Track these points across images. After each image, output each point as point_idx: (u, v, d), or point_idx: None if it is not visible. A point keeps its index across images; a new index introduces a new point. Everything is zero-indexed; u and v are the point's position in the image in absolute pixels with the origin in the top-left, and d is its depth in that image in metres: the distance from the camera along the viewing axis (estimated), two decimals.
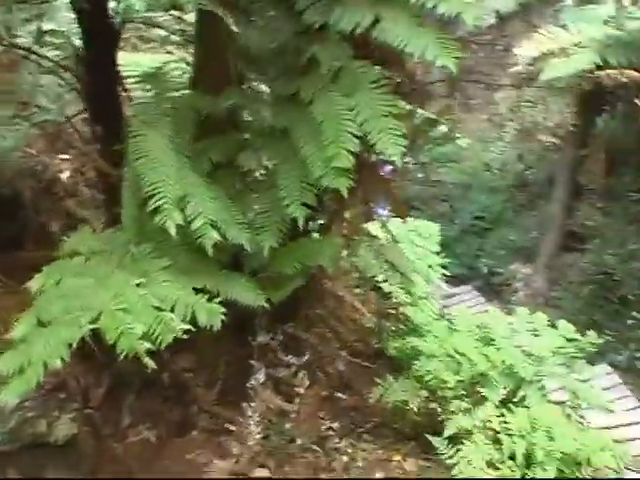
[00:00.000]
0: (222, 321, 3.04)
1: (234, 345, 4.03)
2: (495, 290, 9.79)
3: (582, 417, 4.13)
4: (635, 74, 6.69)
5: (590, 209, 8.93)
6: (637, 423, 6.04)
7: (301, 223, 3.24)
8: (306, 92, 3.23)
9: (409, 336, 4.90)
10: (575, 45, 5.41)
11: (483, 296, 9.91)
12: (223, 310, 3.06)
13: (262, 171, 3.56)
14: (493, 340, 4.55)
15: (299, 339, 4.28)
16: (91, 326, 2.79)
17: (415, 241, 6.49)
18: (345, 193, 3.02)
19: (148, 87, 3.68)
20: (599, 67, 6.28)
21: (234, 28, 3.06)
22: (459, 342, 4.49)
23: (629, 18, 6.10)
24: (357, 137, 2.97)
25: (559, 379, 4.21)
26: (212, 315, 3.04)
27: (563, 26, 5.82)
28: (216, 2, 3.06)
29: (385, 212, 5.04)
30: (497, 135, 10.28)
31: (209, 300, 3.09)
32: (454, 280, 10.97)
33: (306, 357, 4.20)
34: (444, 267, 6.21)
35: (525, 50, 6.14)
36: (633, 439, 5.55)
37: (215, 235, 3.04)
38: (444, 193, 12.11)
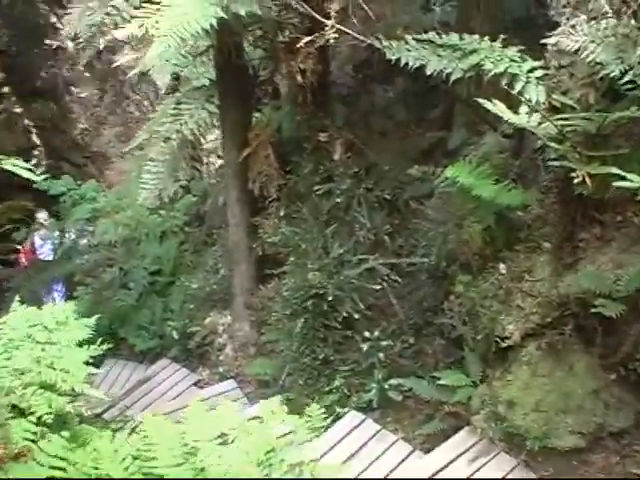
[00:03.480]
0: None
1: None
2: (197, 355, 7.64)
3: None
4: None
5: (273, 222, 6.86)
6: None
7: None
8: None
9: None
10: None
11: (187, 367, 7.82)
12: None
13: None
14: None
15: None
16: None
17: (39, 338, 4.09)
18: None
19: None
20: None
21: None
22: None
23: None
24: None
25: None
26: None
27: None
28: None
29: None
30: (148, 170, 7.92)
31: None
32: (151, 357, 8.67)
33: None
34: (91, 363, 3.90)
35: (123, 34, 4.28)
36: None
37: None
38: (108, 257, 9.74)
